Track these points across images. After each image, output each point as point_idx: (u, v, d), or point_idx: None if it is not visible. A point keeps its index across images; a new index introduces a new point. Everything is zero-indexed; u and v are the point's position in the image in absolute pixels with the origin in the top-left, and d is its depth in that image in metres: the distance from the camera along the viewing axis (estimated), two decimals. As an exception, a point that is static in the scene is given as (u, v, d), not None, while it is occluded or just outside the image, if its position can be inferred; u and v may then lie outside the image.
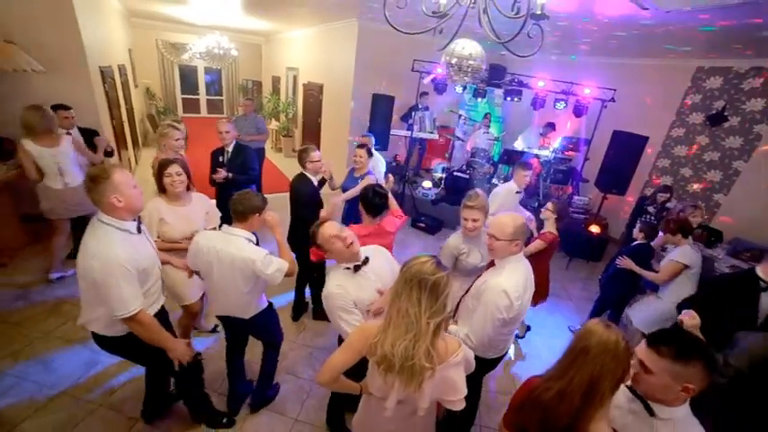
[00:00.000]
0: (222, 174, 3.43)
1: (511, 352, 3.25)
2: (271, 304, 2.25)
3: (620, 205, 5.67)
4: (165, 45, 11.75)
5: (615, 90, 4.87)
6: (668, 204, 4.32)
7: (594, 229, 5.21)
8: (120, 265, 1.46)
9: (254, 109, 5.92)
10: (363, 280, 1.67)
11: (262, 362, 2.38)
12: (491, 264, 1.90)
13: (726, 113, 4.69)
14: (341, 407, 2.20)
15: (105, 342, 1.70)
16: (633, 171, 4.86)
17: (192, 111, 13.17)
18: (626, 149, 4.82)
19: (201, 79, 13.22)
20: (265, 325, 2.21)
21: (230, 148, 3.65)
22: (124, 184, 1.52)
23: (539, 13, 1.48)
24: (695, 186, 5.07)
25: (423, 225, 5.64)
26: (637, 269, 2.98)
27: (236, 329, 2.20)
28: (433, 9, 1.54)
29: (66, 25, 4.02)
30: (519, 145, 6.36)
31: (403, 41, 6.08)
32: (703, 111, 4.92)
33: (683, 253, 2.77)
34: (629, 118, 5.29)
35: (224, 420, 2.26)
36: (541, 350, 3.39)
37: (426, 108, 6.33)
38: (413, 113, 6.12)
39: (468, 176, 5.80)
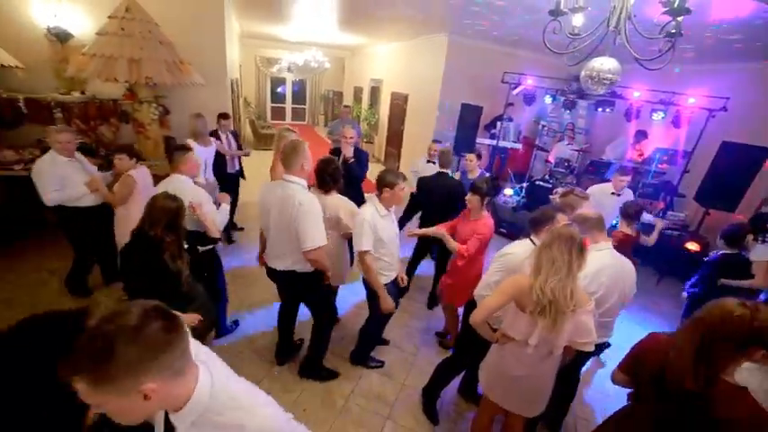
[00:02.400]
0: None
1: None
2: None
3: (724, 223, 5.26)
4: (262, 60, 13.33)
5: (728, 98, 4.60)
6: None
7: (692, 246, 4.92)
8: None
9: (353, 115, 6.60)
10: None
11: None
12: None
13: None
14: (444, 384, 2.51)
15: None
16: (747, 186, 4.53)
17: (279, 118, 14.66)
18: (738, 162, 4.51)
19: (289, 90, 14.68)
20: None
21: (350, 151, 3.90)
22: (309, 155, 2.17)
23: (673, 31, 1.70)
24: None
25: (504, 231, 5.80)
26: (735, 283, 2.89)
27: None
28: (570, 33, 1.83)
29: (217, 48, 5.00)
30: (607, 156, 6.22)
31: (493, 55, 6.46)
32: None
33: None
34: (743, 128, 4.92)
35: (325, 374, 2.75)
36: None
37: (510, 119, 6.50)
38: (497, 123, 6.33)
39: (550, 185, 5.84)
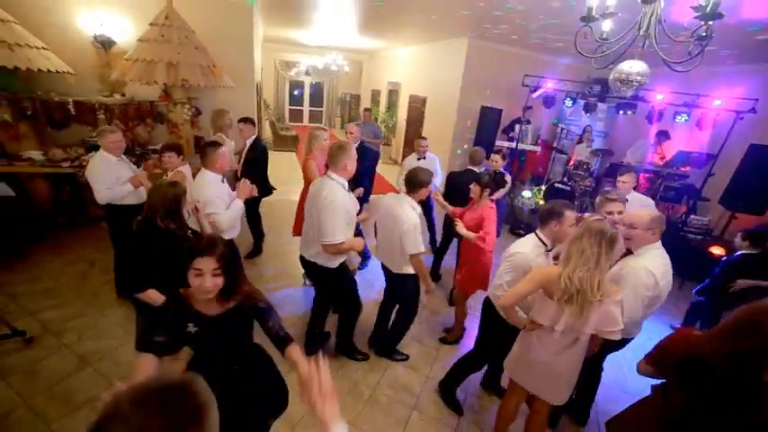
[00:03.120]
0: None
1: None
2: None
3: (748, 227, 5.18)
4: (281, 63, 13.65)
5: (757, 100, 4.54)
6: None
7: (717, 251, 4.85)
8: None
9: (372, 118, 6.75)
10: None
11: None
12: (628, 252, 2.15)
13: None
14: (463, 379, 2.59)
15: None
16: (774, 189, 4.46)
17: (296, 120, 14.95)
18: (767, 165, 4.45)
19: (307, 92, 14.98)
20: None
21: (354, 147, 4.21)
22: (354, 156, 2.29)
23: (704, 34, 1.76)
24: None
25: (521, 232, 5.82)
26: (754, 283, 2.89)
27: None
28: (599, 38, 1.91)
29: (246, 52, 5.22)
30: (627, 159, 6.19)
31: (513, 58, 6.53)
32: None
33: None
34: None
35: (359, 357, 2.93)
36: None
37: (528, 122, 6.53)
38: (515, 126, 6.38)
39: (569, 188, 5.85)
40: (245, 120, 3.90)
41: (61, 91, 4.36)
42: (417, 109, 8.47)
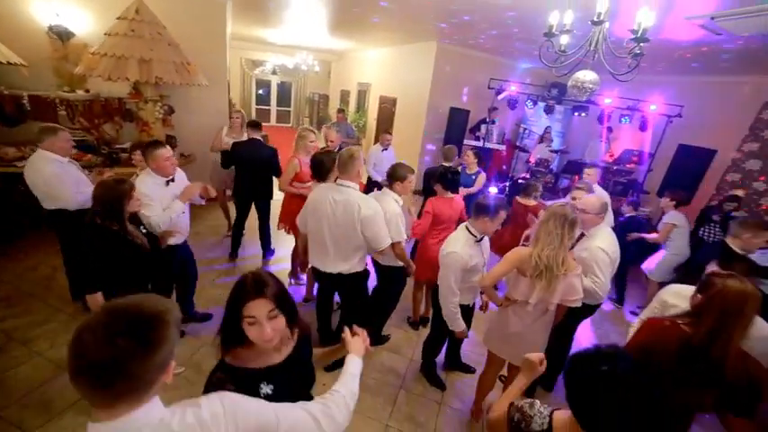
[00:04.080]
0: None
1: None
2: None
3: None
4: (247, 62, 13.37)
5: (682, 106, 5.22)
6: (734, 213, 4.58)
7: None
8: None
9: (345, 118, 6.88)
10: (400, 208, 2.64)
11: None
12: (581, 236, 2.49)
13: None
14: (433, 357, 2.83)
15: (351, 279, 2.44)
16: (699, 183, 5.15)
17: (263, 120, 14.62)
18: (692, 162, 5.13)
19: (274, 91, 14.75)
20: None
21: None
22: (362, 162, 2.34)
23: (638, 52, 2.11)
24: None
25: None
26: (636, 236, 4.01)
27: None
28: (558, 50, 2.22)
29: (219, 50, 5.18)
30: (584, 158, 6.79)
31: (479, 62, 6.93)
32: (777, 127, 5.13)
33: (671, 216, 3.82)
34: (695, 132, 5.57)
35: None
36: (607, 335, 3.88)
37: (494, 122, 6.97)
38: (481, 126, 6.78)
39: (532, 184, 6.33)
40: (248, 123, 4.00)
41: (14, 84, 4.11)
42: (388, 109, 8.70)
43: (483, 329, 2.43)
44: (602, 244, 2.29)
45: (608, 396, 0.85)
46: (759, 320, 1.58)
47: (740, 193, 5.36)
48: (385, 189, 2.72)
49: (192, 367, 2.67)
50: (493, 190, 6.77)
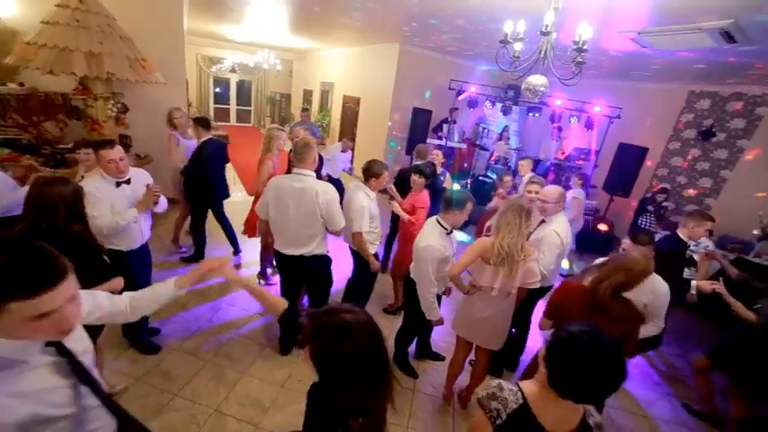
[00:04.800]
0: None
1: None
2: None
3: (624, 208, 6.52)
4: (204, 59, 12.81)
5: (621, 108, 5.77)
6: (665, 203, 5.16)
7: (602, 227, 6.05)
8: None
9: (309, 117, 6.84)
10: (375, 204, 2.85)
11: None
12: (543, 221, 2.73)
13: (714, 130, 5.60)
14: (405, 348, 2.94)
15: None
16: (636, 177, 5.73)
17: (223, 119, 14.11)
18: (630, 159, 5.70)
19: (233, 90, 14.24)
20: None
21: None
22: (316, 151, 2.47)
23: (579, 60, 2.36)
24: (690, 192, 5.94)
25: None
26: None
27: None
28: (512, 56, 2.42)
29: (176, 45, 4.97)
30: (541, 155, 7.26)
31: (441, 64, 7.17)
32: (695, 128, 5.84)
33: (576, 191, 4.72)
34: (632, 132, 6.18)
35: None
36: None
37: (455, 122, 7.25)
38: (443, 126, 7.04)
39: (492, 180, 6.67)
40: (195, 120, 3.79)
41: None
42: (351, 109, 8.74)
43: (450, 319, 2.57)
44: (557, 228, 2.54)
45: (583, 363, 0.99)
46: (657, 277, 2.00)
47: (667, 185, 6.04)
48: (359, 183, 2.87)
49: (159, 375, 2.59)
50: (456, 186, 7.07)
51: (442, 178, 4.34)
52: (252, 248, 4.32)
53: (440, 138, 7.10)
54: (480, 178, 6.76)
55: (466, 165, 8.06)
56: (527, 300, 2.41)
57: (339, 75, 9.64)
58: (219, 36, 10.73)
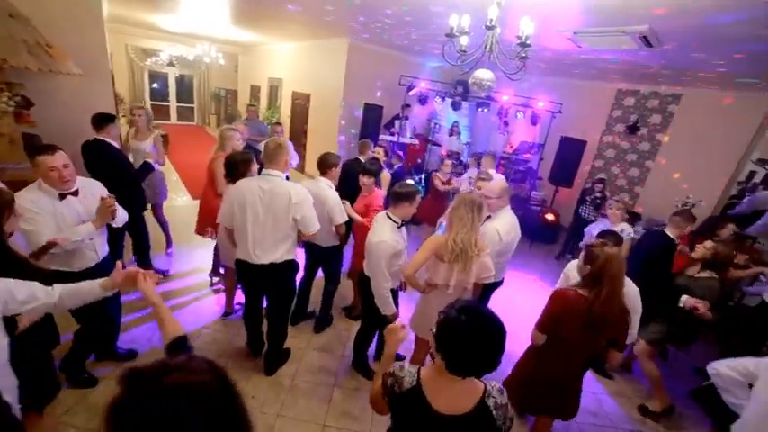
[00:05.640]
0: None
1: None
2: None
3: (568, 199, 6.95)
4: (135, 50, 11.69)
5: (562, 104, 6.12)
6: (600, 194, 5.56)
7: (549, 217, 6.41)
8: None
9: (257, 114, 6.47)
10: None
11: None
12: (487, 217, 2.77)
13: (638, 125, 6.15)
14: (365, 350, 2.90)
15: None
16: (577, 169, 6.12)
17: (162, 117, 13.01)
18: (571, 152, 6.07)
19: (173, 86, 13.18)
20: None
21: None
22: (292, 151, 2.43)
23: (523, 55, 2.41)
24: (622, 181, 6.49)
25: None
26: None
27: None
28: (459, 50, 2.41)
29: (94, 33, 4.41)
30: (490, 149, 7.48)
31: (390, 59, 7.13)
32: (623, 122, 6.37)
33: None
34: (572, 126, 6.58)
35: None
36: (517, 299, 4.33)
37: (407, 118, 7.27)
38: (395, 122, 7.02)
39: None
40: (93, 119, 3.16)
41: None
42: (301, 105, 8.46)
43: (407, 318, 2.52)
44: (499, 225, 2.54)
45: (465, 340, 1.05)
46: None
47: (604, 176, 6.53)
48: (317, 177, 2.86)
49: (85, 411, 2.27)
50: (410, 182, 7.10)
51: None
52: (188, 259, 4.18)
53: (392, 134, 7.08)
54: (434, 173, 6.83)
55: (420, 161, 8.13)
56: (482, 294, 2.44)
57: (288, 70, 9.27)
58: (153, 26, 9.83)
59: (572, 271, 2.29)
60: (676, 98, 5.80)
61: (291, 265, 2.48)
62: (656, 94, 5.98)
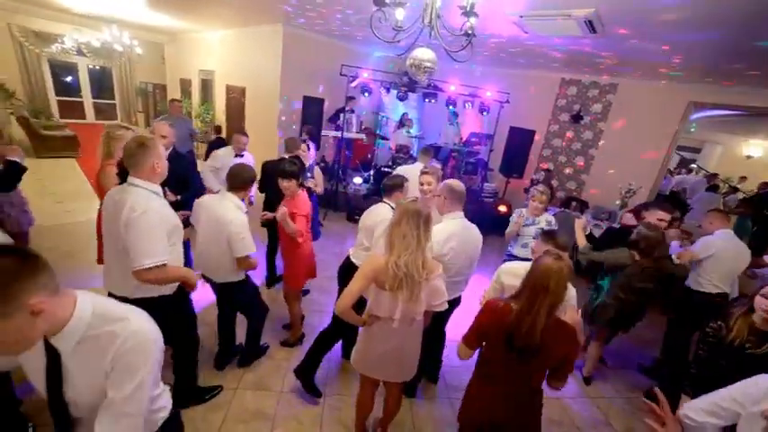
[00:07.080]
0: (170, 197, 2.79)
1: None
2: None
3: (519, 189, 6.94)
4: (25, 32, 9.66)
5: (509, 93, 6.01)
6: (549, 182, 5.55)
7: (502, 208, 6.31)
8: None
9: (183, 111, 5.64)
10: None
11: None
12: None
13: (581, 114, 6.22)
14: (322, 354, 2.53)
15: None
16: (527, 158, 6.07)
17: (75, 116, 11.28)
18: (520, 141, 6.00)
19: (85, 78, 11.47)
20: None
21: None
22: (162, 153, 1.77)
23: (469, 32, 2.07)
24: (569, 170, 6.56)
25: (357, 218, 6.08)
26: None
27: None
28: (394, 26, 2.00)
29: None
30: (441, 142, 7.26)
31: (330, 48, 6.58)
32: (568, 111, 6.42)
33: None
34: (520, 116, 6.54)
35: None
36: (472, 299, 4.10)
37: (352, 111, 6.80)
38: (340, 116, 6.53)
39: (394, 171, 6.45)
40: None
41: None
42: (237, 100, 7.66)
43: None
44: (442, 235, 2.15)
45: None
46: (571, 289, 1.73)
47: (551, 165, 6.58)
48: (223, 192, 2.29)
49: None
50: (357, 180, 6.68)
51: (308, 174, 3.80)
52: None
53: (337, 128, 6.59)
54: (383, 169, 6.47)
55: (370, 156, 7.73)
56: (438, 318, 2.08)
57: (220, 61, 8.35)
58: (46, 3, 8.24)
59: (506, 277, 2.01)
60: (613, 87, 5.92)
61: (159, 304, 1.81)
62: (596, 84, 6.07)
